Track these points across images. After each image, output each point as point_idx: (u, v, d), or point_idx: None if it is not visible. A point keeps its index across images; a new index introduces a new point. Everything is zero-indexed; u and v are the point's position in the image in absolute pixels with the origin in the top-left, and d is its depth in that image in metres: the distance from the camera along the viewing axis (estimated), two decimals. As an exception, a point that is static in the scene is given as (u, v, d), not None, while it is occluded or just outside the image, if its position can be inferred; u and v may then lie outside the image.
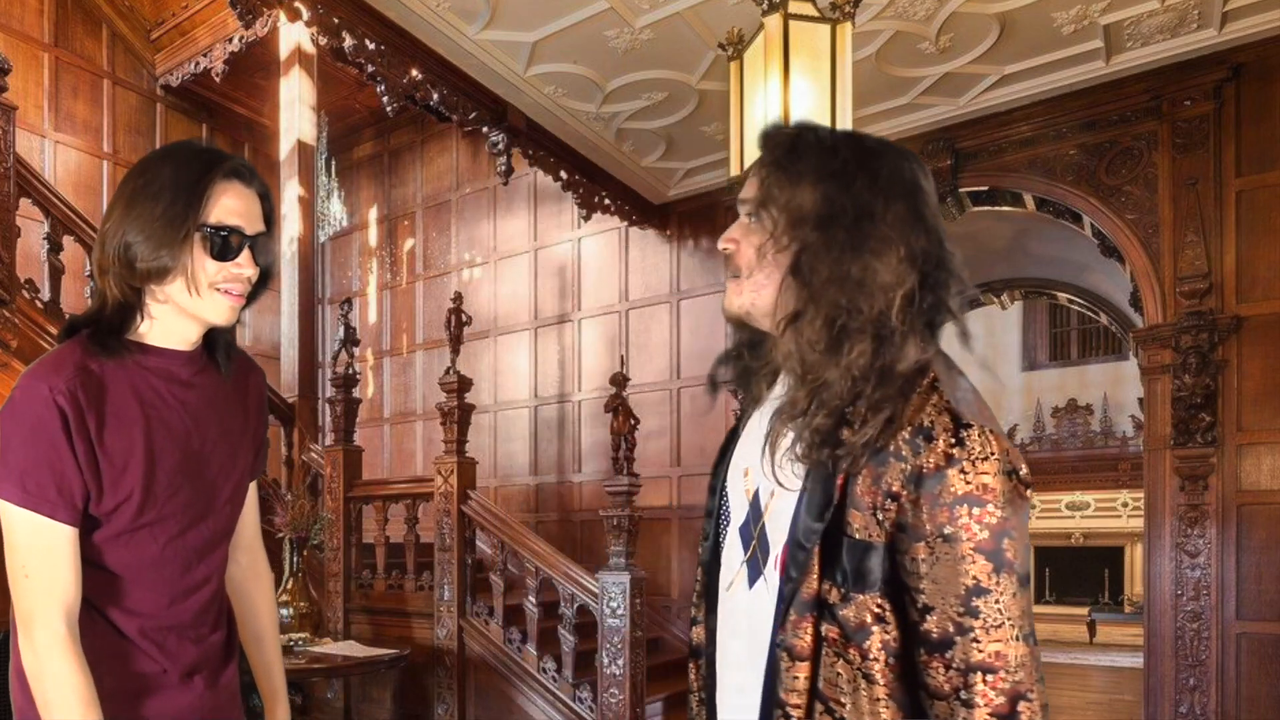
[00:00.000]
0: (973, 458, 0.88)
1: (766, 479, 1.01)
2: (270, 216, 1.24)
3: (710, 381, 1.18)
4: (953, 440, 0.89)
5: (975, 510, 0.87)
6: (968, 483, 0.88)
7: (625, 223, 5.65)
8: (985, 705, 0.87)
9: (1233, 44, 3.72)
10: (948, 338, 1.03)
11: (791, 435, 0.97)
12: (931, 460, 0.89)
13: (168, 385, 1.22)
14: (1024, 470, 0.91)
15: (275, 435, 5.47)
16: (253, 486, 1.44)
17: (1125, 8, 3.52)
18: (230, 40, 5.61)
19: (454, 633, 4.45)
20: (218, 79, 5.84)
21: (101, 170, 6.04)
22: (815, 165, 0.99)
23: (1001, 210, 4.79)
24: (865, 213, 0.95)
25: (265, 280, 1.26)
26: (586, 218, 5.60)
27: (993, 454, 0.88)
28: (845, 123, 2.47)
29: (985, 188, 4.52)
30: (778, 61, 2.41)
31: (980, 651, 0.87)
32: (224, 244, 1.17)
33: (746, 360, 1.12)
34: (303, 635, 4.05)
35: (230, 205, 1.18)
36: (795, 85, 2.43)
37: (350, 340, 4.91)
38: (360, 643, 4.40)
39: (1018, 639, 0.88)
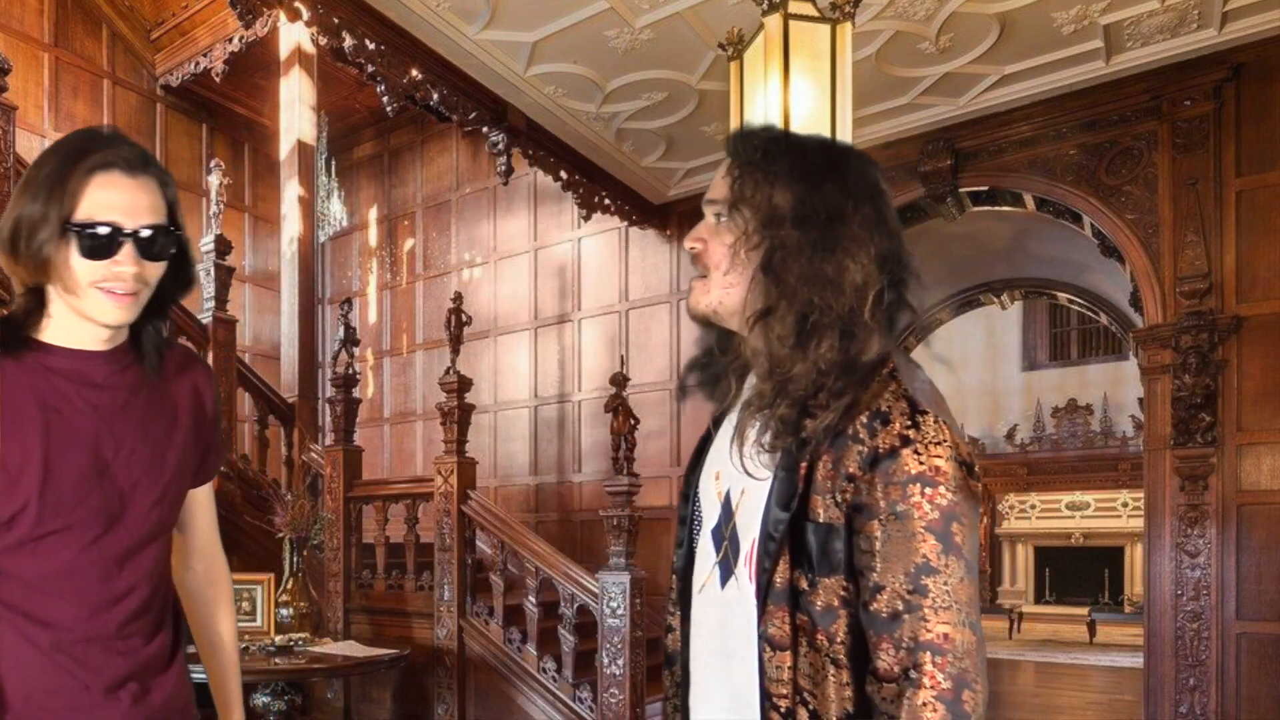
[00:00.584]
0: (926, 441, 0.91)
1: (736, 473, 1.03)
2: (173, 206, 1.15)
3: (680, 388, 1.20)
4: (908, 423, 0.92)
5: (927, 490, 0.90)
6: (920, 463, 0.90)
7: (625, 223, 5.65)
8: (931, 687, 0.87)
9: (1233, 44, 3.72)
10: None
11: (758, 426, 1.00)
12: (887, 442, 0.91)
13: (75, 387, 1.16)
14: (976, 466, 0.94)
15: (275, 435, 5.48)
16: (206, 490, 1.37)
17: (1125, 8, 3.52)
18: (230, 40, 5.61)
19: (454, 633, 4.45)
20: (218, 79, 5.84)
21: (101, 170, 6.04)
22: (788, 167, 1.01)
23: (1001, 210, 4.78)
24: (837, 214, 0.99)
25: (182, 274, 1.19)
26: (586, 218, 5.60)
27: (945, 440, 0.92)
28: (845, 123, 2.47)
29: (985, 188, 4.52)
30: (778, 61, 2.41)
31: (928, 631, 0.88)
32: (94, 242, 1.08)
33: (715, 365, 1.14)
34: (303, 635, 4.04)
35: (105, 199, 1.09)
36: (795, 85, 2.43)
37: (350, 340, 4.91)
38: (360, 643, 4.39)
39: (964, 624, 0.89)
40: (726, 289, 1.05)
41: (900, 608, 0.89)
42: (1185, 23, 3.61)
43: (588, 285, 6.08)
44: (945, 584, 0.89)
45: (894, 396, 0.94)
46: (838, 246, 0.98)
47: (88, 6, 5.89)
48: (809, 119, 2.44)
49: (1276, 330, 3.73)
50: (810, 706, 0.95)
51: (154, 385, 1.24)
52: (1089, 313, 6.63)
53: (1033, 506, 14.82)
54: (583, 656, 4.20)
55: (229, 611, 1.46)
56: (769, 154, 1.03)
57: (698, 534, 1.14)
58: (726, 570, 1.06)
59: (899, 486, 0.90)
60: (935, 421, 0.92)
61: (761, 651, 0.98)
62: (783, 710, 0.96)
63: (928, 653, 0.88)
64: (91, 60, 5.94)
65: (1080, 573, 14.44)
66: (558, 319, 6.23)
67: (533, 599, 4.26)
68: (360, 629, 4.84)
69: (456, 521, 4.47)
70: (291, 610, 4.14)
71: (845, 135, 2.47)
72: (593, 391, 5.92)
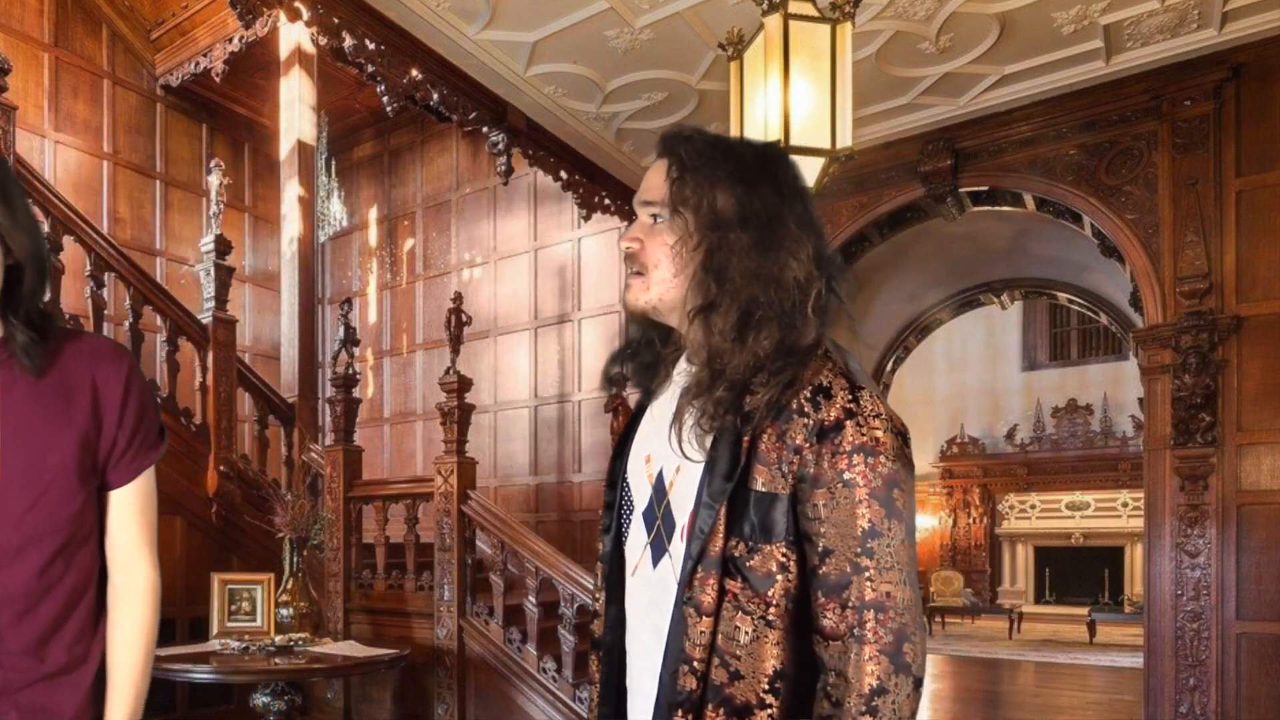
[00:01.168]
0: (865, 414, 0.98)
1: (673, 454, 1.06)
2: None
3: (606, 379, 1.22)
4: (849, 397, 0.99)
5: (869, 459, 0.96)
6: (862, 435, 0.97)
7: (625, 223, 5.64)
8: (875, 642, 0.94)
9: (1233, 44, 3.72)
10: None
11: (696, 410, 1.03)
12: (831, 414, 0.98)
13: None
14: (909, 434, 1.02)
15: (275, 435, 5.48)
16: (128, 493, 1.26)
17: (1125, 8, 3.52)
18: (230, 40, 5.61)
19: (454, 633, 4.45)
20: (218, 79, 5.84)
21: (101, 170, 6.04)
22: (727, 170, 1.05)
23: (1001, 210, 4.78)
24: (775, 215, 1.04)
25: (18, 264, 1.11)
26: (586, 218, 5.60)
27: (881, 413, 0.99)
28: (845, 123, 2.47)
29: (985, 188, 4.52)
30: (778, 61, 2.41)
31: (873, 591, 0.95)
32: None
33: (643, 355, 1.18)
34: (303, 635, 4.04)
35: None
36: (795, 85, 2.43)
37: (350, 340, 4.90)
38: (360, 643, 4.39)
39: (904, 583, 0.96)
40: (666, 287, 1.09)
41: (848, 569, 0.95)
42: (1185, 23, 3.61)
43: (588, 285, 6.08)
44: (889, 546, 0.95)
45: (832, 373, 1.00)
46: (779, 246, 1.03)
47: (88, 6, 5.89)
48: (809, 119, 2.45)
49: (1276, 330, 3.73)
50: (731, 668, 0.99)
51: (36, 382, 1.16)
52: (1089, 313, 6.63)
53: (1033, 506, 14.82)
54: (583, 656, 4.20)
55: (132, 634, 1.25)
56: (708, 157, 1.06)
57: (628, 518, 1.15)
58: (659, 549, 1.09)
59: (845, 455, 0.96)
60: (871, 396, 0.99)
61: (685, 616, 1.01)
62: (699, 674, 1.00)
63: (871, 611, 0.94)
64: (91, 60, 5.94)
65: (1080, 573, 14.44)
66: (558, 319, 6.23)
67: (533, 599, 4.26)
68: (360, 629, 4.84)
69: (456, 521, 4.47)
70: (291, 610, 4.13)
71: (845, 135, 2.48)
72: (593, 391, 5.92)
